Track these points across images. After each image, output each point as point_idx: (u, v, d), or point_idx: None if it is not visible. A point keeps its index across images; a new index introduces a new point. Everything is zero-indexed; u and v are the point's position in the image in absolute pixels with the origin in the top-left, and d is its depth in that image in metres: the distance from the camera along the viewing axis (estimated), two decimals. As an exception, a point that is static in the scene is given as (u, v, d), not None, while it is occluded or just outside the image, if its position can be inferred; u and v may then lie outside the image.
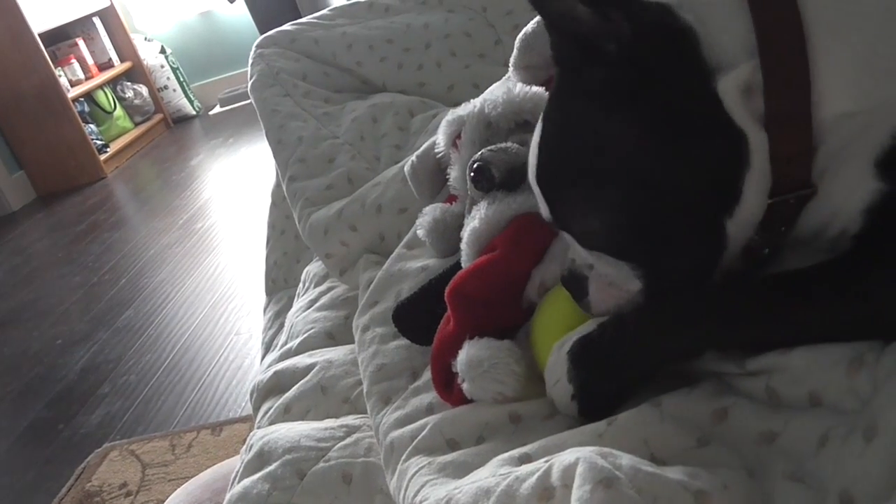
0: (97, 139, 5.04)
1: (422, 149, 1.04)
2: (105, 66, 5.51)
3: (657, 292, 0.65)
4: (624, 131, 0.60)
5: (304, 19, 1.61)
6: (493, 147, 0.87)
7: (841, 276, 0.60)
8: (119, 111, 5.39)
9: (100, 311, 3.03)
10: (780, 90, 0.58)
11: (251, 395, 1.11)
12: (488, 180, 0.85)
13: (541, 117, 0.67)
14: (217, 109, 5.76)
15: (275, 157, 1.34)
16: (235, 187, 4.09)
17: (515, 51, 1.00)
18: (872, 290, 0.58)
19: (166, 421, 2.20)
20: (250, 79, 1.48)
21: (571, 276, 0.69)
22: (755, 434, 0.59)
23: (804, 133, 0.59)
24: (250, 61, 1.52)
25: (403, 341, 0.89)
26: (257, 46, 1.53)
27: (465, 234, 0.86)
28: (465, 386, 0.74)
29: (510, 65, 1.02)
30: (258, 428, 1.02)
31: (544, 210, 0.68)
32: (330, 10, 1.61)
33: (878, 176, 0.58)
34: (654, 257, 0.64)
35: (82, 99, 5.11)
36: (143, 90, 5.62)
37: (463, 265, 0.86)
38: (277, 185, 1.48)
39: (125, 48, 5.64)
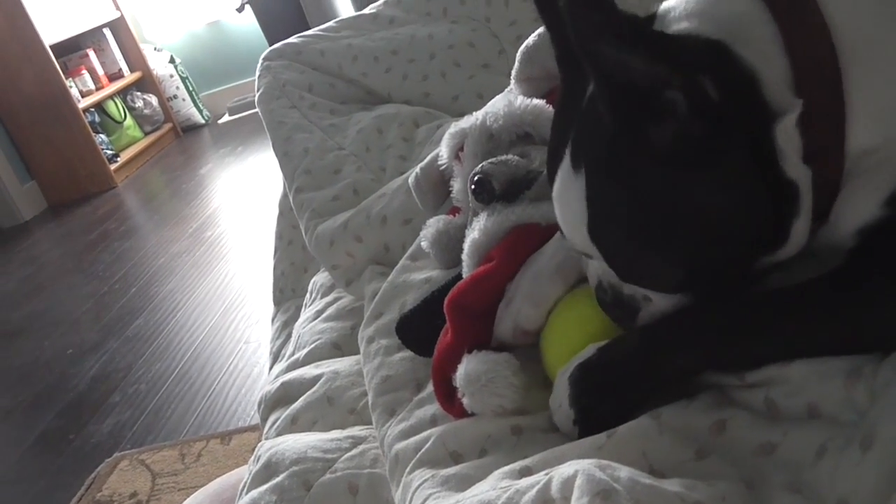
0: (107, 149, 5.08)
1: (425, 161, 1.05)
2: (115, 76, 5.56)
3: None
4: (699, 188, 0.58)
5: (309, 32, 1.63)
6: (494, 160, 0.88)
7: (834, 293, 0.61)
8: (129, 121, 5.44)
9: (110, 321, 3.06)
10: (819, 131, 0.57)
11: (259, 405, 1.12)
12: (489, 192, 0.86)
13: (575, 165, 0.63)
14: (226, 118, 5.79)
15: (281, 168, 1.36)
16: (244, 196, 4.11)
17: (517, 63, 1.01)
18: (866, 306, 0.59)
19: (176, 430, 2.21)
20: (257, 91, 1.50)
21: (621, 304, 0.69)
22: (754, 445, 0.60)
23: (836, 168, 0.59)
24: (257, 73, 1.53)
25: (408, 353, 0.90)
26: (264, 59, 1.55)
27: (466, 245, 0.87)
28: (465, 400, 0.74)
29: (512, 77, 1.03)
30: (266, 439, 1.03)
31: (603, 263, 0.66)
32: (335, 23, 1.62)
33: (882, 207, 0.59)
34: (705, 290, 0.65)
35: (93, 109, 5.16)
36: (153, 100, 5.66)
37: (464, 276, 0.86)
38: (284, 196, 1.49)
39: (135, 58, 5.69)
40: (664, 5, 0.64)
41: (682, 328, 0.65)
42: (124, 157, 5.19)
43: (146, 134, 5.58)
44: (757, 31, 0.58)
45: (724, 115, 0.55)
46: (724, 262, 0.62)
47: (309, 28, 4.17)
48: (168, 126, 5.71)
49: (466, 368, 0.75)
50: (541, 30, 1.01)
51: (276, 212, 1.56)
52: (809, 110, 0.56)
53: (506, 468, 0.66)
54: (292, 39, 1.59)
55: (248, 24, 5.26)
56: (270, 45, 1.45)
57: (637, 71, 0.53)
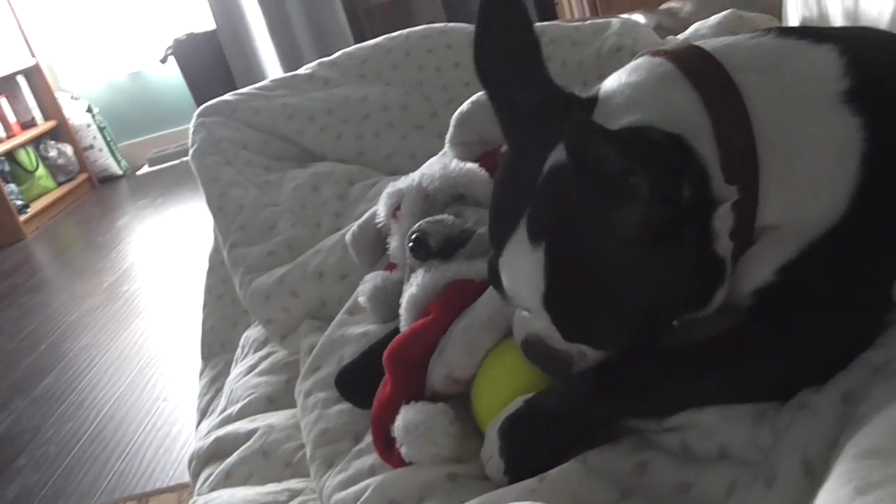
0: (17, 199, 4.92)
1: (363, 219, 1.09)
2: (28, 124, 5.41)
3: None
4: (655, 267, 0.64)
5: (244, 90, 1.66)
6: (430, 219, 0.93)
7: (735, 350, 0.68)
8: (41, 170, 5.28)
9: (17, 379, 2.93)
10: (739, 213, 0.64)
11: (190, 462, 1.12)
12: (426, 250, 0.91)
13: (533, 238, 0.66)
14: (146, 169, 5.69)
15: (216, 223, 1.37)
16: (164, 249, 4.03)
17: (451, 128, 1.07)
18: (761, 361, 0.67)
19: (88, 493, 2.13)
20: (191, 146, 1.51)
21: (549, 360, 0.73)
22: (672, 485, 0.65)
23: (745, 242, 0.67)
24: (191, 129, 1.54)
25: (346, 405, 0.92)
26: (198, 115, 1.56)
27: (404, 300, 0.91)
28: (403, 450, 0.78)
29: (446, 141, 1.09)
30: (199, 495, 1.02)
31: (542, 322, 0.70)
32: (270, 81, 1.66)
33: (774, 274, 0.67)
34: (635, 345, 0.70)
35: (2, 158, 5.00)
36: (68, 149, 5.52)
37: (401, 330, 0.90)
38: (215, 250, 1.50)
39: (50, 107, 5.55)
40: (604, 89, 0.70)
41: (604, 381, 0.71)
42: (35, 207, 5.02)
43: (59, 184, 5.42)
44: (698, 123, 0.64)
45: (684, 204, 0.60)
46: (658, 324, 0.69)
47: (234, 80, 4.17)
48: (83, 176, 5.57)
49: (404, 419, 0.79)
50: (474, 98, 1.07)
51: (197, 265, 1.56)
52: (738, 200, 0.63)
53: (445, 513, 0.69)
54: (227, 97, 1.62)
55: (170, 74, 5.22)
56: (195, 97, 1.48)
57: (612, 164, 0.57)
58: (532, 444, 0.73)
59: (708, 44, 0.70)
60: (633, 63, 0.72)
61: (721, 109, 0.64)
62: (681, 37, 1.59)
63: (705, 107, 0.64)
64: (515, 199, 0.68)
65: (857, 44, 0.70)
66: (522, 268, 0.67)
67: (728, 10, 1.54)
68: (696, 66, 0.67)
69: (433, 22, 1.71)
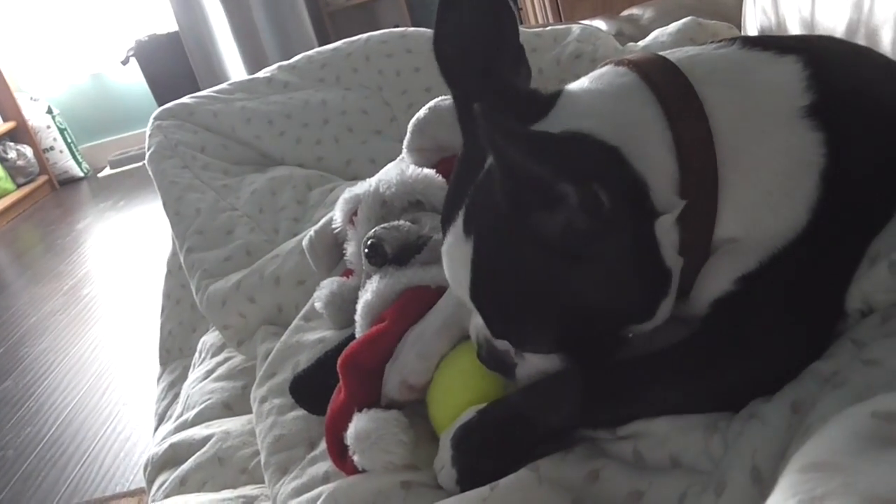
0: (-25, 201, 4.84)
1: (319, 224, 1.09)
2: (-14, 125, 5.32)
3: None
4: (576, 276, 0.63)
5: (202, 93, 1.64)
6: (386, 225, 0.93)
7: (688, 362, 0.68)
8: (0, 172, 5.19)
9: (-26, 383, 2.88)
10: (694, 223, 0.65)
11: (145, 468, 1.10)
12: (381, 256, 0.91)
13: (466, 230, 0.66)
14: (107, 171, 5.62)
15: (172, 228, 1.36)
16: (125, 252, 3.98)
17: (409, 134, 1.07)
18: (714, 373, 0.67)
19: (47, 498, 2.10)
20: (148, 150, 1.49)
21: (495, 360, 0.74)
22: (624, 493, 0.65)
23: (704, 253, 0.67)
24: (148, 133, 1.53)
25: (301, 412, 0.92)
26: (155, 118, 1.55)
27: (359, 306, 0.90)
28: (356, 458, 0.78)
29: (404, 147, 1.09)
30: (153, 502, 1.01)
31: (483, 321, 0.71)
32: (229, 85, 1.65)
33: (733, 284, 0.67)
34: (576, 353, 0.71)
35: (-39, 159, 4.91)
36: (28, 151, 5.44)
37: (357, 336, 0.90)
38: (173, 254, 1.48)
39: (9, 108, 5.46)
40: (568, 90, 0.70)
41: (556, 391, 0.71)
42: (-7, 209, 4.94)
43: (19, 186, 5.33)
44: (653, 137, 0.64)
45: (611, 216, 0.59)
46: (594, 333, 0.69)
47: (197, 82, 4.14)
48: (43, 178, 5.49)
49: (357, 427, 0.79)
50: (432, 103, 1.07)
51: (158, 268, 1.54)
52: (690, 210, 0.64)
53: (397, 522, 0.69)
54: (184, 100, 1.60)
55: (132, 76, 5.17)
56: (157, 99, 1.46)
57: (528, 169, 0.56)
58: (484, 455, 0.73)
59: (673, 55, 0.70)
60: (597, 71, 0.72)
61: (682, 122, 0.64)
62: (641, 43, 1.60)
63: (666, 119, 0.64)
64: (462, 189, 0.68)
65: (820, 55, 0.71)
66: (457, 257, 0.68)
67: (687, 18, 1.56)
68: (659, 77, 0.67)
69: (397, 26, 1.72)
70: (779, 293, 0.67)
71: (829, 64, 0.71)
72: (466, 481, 0.73)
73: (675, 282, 0.67)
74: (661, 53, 0.71)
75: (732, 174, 0.65)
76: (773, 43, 0.71)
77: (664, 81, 0.66)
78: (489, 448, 0.73)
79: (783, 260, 0.65)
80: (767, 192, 0.65)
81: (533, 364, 0.72)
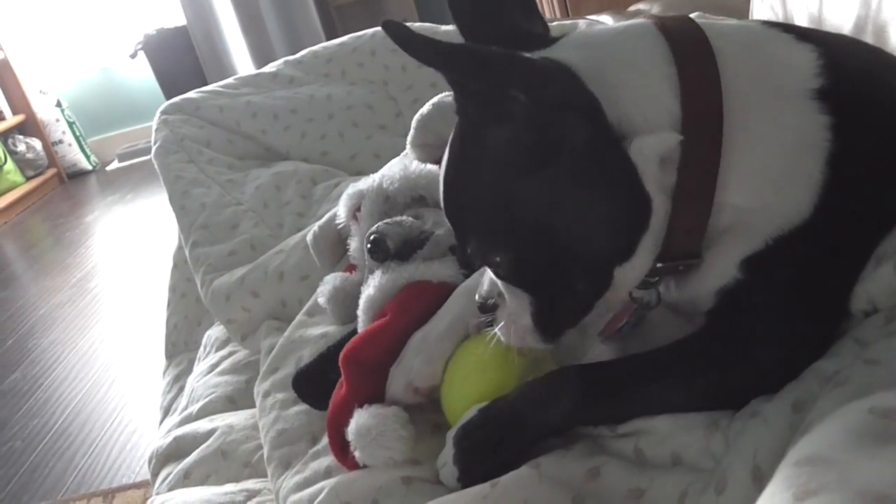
0: (-16, 193, 4.86)
1: (323, 219, 1.09)
2: (-4, 118, 5.34)
3: (544, 329, 0.71)
4: (523, 187, 0.64)
5: (208, 87, 1.64)
6: (389, 220, 0.93)
7: (691, 360, 0.68)
8: (9, 165, 5.21)
9: (-17, 374, 2.90)
10: (694, 169, 0.64)
11: (149, 461, 1.11)
12: (384, 251, 0.91)
13: (446, 153, 0.69)
14: (115, 165, 5.63)
15: (178, 222, 1.36)
16: (133, 245, 3.99)
17: (412, 130, 1.07)
18: (717, 372, 0.67)
19: (54, 488, 2.11)
20: (154, 144, 1.50)
21: (485, 304, 0.75)
22: (624, 491, 0.65)
23: (704, 212, 0.66)
24: (154, 127, 1.53)
25: (303, 407, 0.92)
26: (161, 113, 1.55)
27: (361, 301, 0.91)
28: (356, 453, 0.78)
29: (408, 142, 1.09)
30: (157, 494, 1.02)
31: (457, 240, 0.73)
32: (235, 79, 1.65)
33: (739, 268, 0.67)
34: (548, 290, 0.70)
35: (-30, 152, 4.93)
36: (37, 144, 5.45)
37: (359, 331, 0.90)
38: (179, 248, 1.49)
39: (18, 101, 5.48)
40: (580, 30, 0.71)
41: (556, 389, 0.71)
42: (3, 202, 4.95)
43: (28, 179, 5.35)
44: (652, 72, 0.64)
45: (554, 133, 0.61)
46: (561, 258, 0.67)
47: (205, 76, 4.15)
48: (52, 171, 5.50)
49: (357, 423, 0.79)
50: (435, 99, 1.08)
51: (165, 260, 1.55)
52: (688, 152, 0.63)
53: (397, 517, 0.69)
54: (190, 94, 1.61)
55: (141, 69, 5.17)
56: (165, 92, 1.47)
57: (478, 84, 0.60)
58: (485, 453, 0.73)
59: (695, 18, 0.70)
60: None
61: (690, 63, 0.64)
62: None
63: (673, 58, 0.64)
64: None
65: (837, 49, 0.71)
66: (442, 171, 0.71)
67: (694, 13, 1.55)
68: (674, 25, 0.67)
69: (405, 20, 1.71)
70: (785, 290, 0.66)
71: (845, 57, 0.70)
72: (468, 479, 0.73)
73: (661, 219, 0.66)
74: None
75: (737, 134, 0.64)
76: (794, 28, 0.71)
77: (679, 29, 0.66)
78: (490, 446, 0.73)
79: (790, 248, 0.65)
80: (769, 163, 0.65)
81: (513, 309, 0.72)
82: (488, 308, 0.74)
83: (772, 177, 0.65)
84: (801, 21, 1.21)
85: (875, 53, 0.79)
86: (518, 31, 0.70)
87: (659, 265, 0.68)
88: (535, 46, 0.67)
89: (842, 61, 0.68)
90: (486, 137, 0.63)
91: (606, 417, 0.71)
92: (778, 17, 1.32)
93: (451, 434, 0.75)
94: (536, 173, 0.63)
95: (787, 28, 0.70)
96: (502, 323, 0.73)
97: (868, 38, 1.00)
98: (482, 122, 0.63)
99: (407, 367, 0.83)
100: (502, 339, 0.74)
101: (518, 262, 0.68)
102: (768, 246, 0.65)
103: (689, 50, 0.64)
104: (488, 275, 0.74)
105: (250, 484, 0.96)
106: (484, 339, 0.78)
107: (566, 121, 0.61)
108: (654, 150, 0.62)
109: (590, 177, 0.63)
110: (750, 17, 1.48)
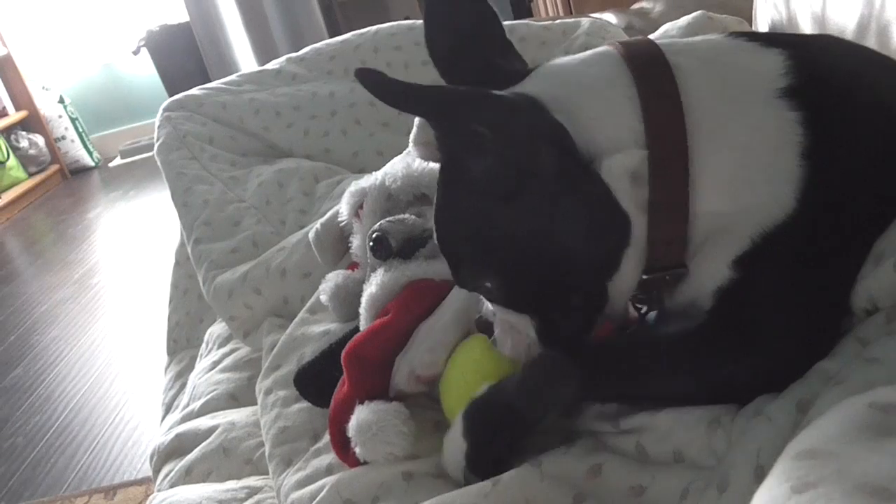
0: (-13, 189, 4.86)
1: (326, 217, 1.09)
2: (-2, 114, 5.34)
3: (549, 340, 0.72)
4: (503, 215, 0.66)
5: (211, 84, 1.64)
6: (391, 218, 0.93)
7: (693, 351, 0.68)
8: (12, 161, 5.22)
9: (-15, 370, 2.90)
10: (663, 182, 0.65)
11: (151, 457, 1.11)
12: (386, 249, 0.91)
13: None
14: (118, 161, 5.64)
15: (180, 218, 1.36)
16: (135, 241, 4.00)
17: (415, 128, 1.07)
18: (718, 364, 0.68)
19: (56, 485, 2.11)
20: (157, 141, 1.50)
21: (483, 321, 0.77)
22: (626, 488, 0.66)
23: (681, 222, 0.67)
24: (157, 124, 1.53)
25: (305, 404, 0.92)
26: (164, 109, 1.55)
27: (364, 299, 0.91)
28: (357, 449, 0.78)
29: (410, 140, 1.09)
30: (158, 491, 1.02)
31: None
32: (238, 76, 1.65)
33: (731, 268, 0.67)
34: (545, 311, 0.71)
35: (-27, 148, 4.94)
36: (39, 140, 5.46)
37: (361, 329, 0.90)
38: (181, 245, 1.49)
39: (21, 97, 5.48)
40: (548, 63, 0.73)
41: (564, 366, 0.71)
42: (6, 198, 4.96)
43: (30, 175, 5.36)
44: (611, 93, 0.66)
45: (525, 162, 0.64)
46: (550, 280, 0.69)
47: (208, 72, 4.14)
48: (55, 167, 5.51)
49: (358, 418, 0.79)
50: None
51: (168, 258, 1.55)
52: (657, 167, 0.65)
53: (398, 514, 0.69)
54: (193, 91, 1.61)
55: (143, 66, 5.17)
56: (167, 89, 1.47)
57: (445, 122, 0.64)
58: (495, 429, 0.73)
59: (661, 41, 0.72)
60: None
61: (649, 83, 0.66)
62: (651, 37, 1.59)
63: (634, 80, 0.66)
64: None
65: (810, 49, 0.72)
66: None
67: (698, 12, 1.55)
68: (633, 47, 0.69)
69: (408, 17, 1.71)
70: (782, 284, 0.66)
71: (818, 55, 0.72)
72: (476, 454, 0.73)
73: (641, 234, 0.67)
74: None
75: (703, 142, 0.65)
76: (763, 36, 0.73)
77: (637, 51, 0.68)
78: (500, 423, 0.73)
79: (779, 243, 0.65)
80: (742, 166, 0.66)
81: (505, 320, 0.74)
82: (486, 323, 0.77)
83: (746, 178, 0.66)
84: (805, 21, 1.21)
85: (856, 51, 0.80)
86: (494, 68, 0.72)
87: (645, 277, 0.70)
88: (510, 82, 0.69)
89: (813, 60, 0.70)
90: (465, 170, 0.66)
91: (615, 395, 0.72)
92: (781, 16, 1.32)
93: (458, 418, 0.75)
94: (514, 201, 0.65)
95: (754, 37, 0.72)
96: (499, 331, 0.75)
97: (871, 38, 1.00)
98: (461, 156, 0.66)
99: (411, 357, 0.84)
100: (503, 351, 0.75)
101: (507, 287, 0.71)
102: (756, 244, 0.66)
103: (647, 69, 0.67)
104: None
105: (252, 481, 0.96)
106: (483, 339, 0.79)
107: (535, 150, 0.64)
108: (622, 167, 0.64)
109: (566, 200, 0.65)
110: (753, 18, 1.48)
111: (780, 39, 0.71)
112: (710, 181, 0.66)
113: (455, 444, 0.74)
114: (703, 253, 0.69)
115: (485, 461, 0.72)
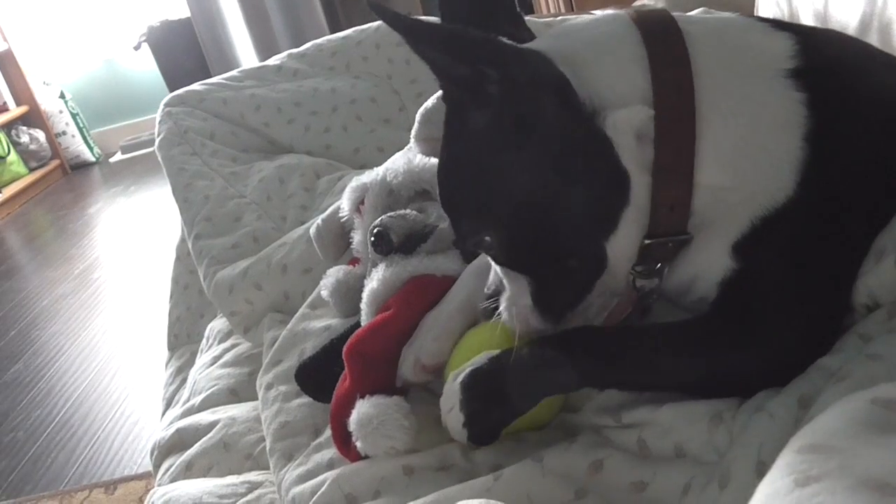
0: (-12, 184, 4.86)
1: (327, 213, 1.09)
2: (-1, 109, 5.34)
3: (545, 306, 0.72)
4: (504, 166, 0.67)
5: (212, 80, 1.64)
6: (392, 213, 0.93)
7: (698, 342, 0.68)
8: (13, 156, 5.21)
9: (-14, 366, 2.90)
10: (668, 143, 0.65)
11: (152, 452, 1.11)
12: (387, 245, 0.91)
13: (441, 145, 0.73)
14: (118, 157, 5.64)
15: (181, 214, 1.36)
16: (135, 237, 4.00)
17: (416, 124, 1.07)
18: (721, 356, 0.68)
19: (56, 480, 2.12)
20: (157, 136, 1.50)
21: (488, 310, 0.77)
22: (627, 484, 0.66)
23: (685, 186, 0.67)
24: (158, 119, 1.53)
25: (306, 399, 0.92)
26: (165, 105, 1.55)
27: (365, 294, 0.91)
28: (358, 443, 0.78)
29: (411, 136, 1.09)
30: (159, 486, 1.02)
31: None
32: (239, 72, 1.65)
33: (732, 255, 0.67)
34: (543, 269, 0.71)
35: (-27, 143, 4.93)
36: (40, 135, 5.46)
37: (362, 324, 0.90)
38: (182, 240, 1.49)
39: (22, 92, 5.48)
40: (559, 25, 0.73)
41: (565, 348, 0.71)
42: (6, 193, 4.96)
43: (31, 170, 5.35)
44: (620, 51, 0.66)
45: (527, 112, 0.64)
46: (549, 235, 0.69)
47: (209, 68, 4.13)
48: (55, 163, 5.50)
49: (359, 412, 0.79)
50: (440, 93, 1.07)
51: (168, 254, 1.55)
52: (661, 127, 0.65)
53: (399, 509, 0.69)
54: (194, 87, 1.61)
55: (144, 61, 5.17)
56: (168, 85, 1.47)
57: (457, 69, 0.64)
58: (493, 401, 0.73)
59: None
60: None
61: (657, 41, 0.66)
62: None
63: (644, 42, 0.66)
64: None
65: (816, 37, 0.72)
66: None
67: (699, 8, 1.55)
68: (647, 15, 0.69)
69: (409, 14, 1.70)
70: (781, 274, 0.66)
71: (823, 44, 0.72)
72: (473, 425, 0.73)
73: (642, 194, 0.67)
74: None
75: (710, 111, 0.65)
76: (774, 21, 0.73)
77: (649, 17, 0.69)
78: (497, 395, 0.72)
79: (778, 230, 0.65)
80: (745, 140, 0.66)
81: (514, 294, 0.73)
82: (493, 295, 0.76)
83: (748, 153, 0.66)
84: (807, 17, 1.21)
85: (859, 46, 0.80)
86: (506, 34, 0.72)
87: (647, 241, 0.69)
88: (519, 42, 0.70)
89: (821, 48, 0.70)
90: (468, 120, 0.67)
91: (614, 382, 0.71)
92: (783, 13, 1.32)
93: (456, 377, 0.74)
94: (515, 151, 0.66)
95: (766, 20, 0.72)
96: (504, 306, 0.75)
97: (873, 35, 1.00)
98: (465, 106, 0.67)
99: (417, 346, 0.84)
100: (506, 322, 0.75)
101: (507, 241, 0.71)
102: (755, 228, 0.66)
103: (659, 33, 0.67)
104: (494, 266, 0.75)
105: (252, 476, 0.96)
106: (489, 328, 0.78)
107: (538, 98, 0.64)
108: (627, 124, 0.64)
109: (566, 152, 0.65)
110: (755, 12, 1.48)
111: (790, 26, 0.72)
112: (713, 151, 0.66)
113: (454, 415, 0.73)
114: (704, 232, 0.69)
115: (482, 431, 0.73)
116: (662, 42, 0.66)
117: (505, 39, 0.66)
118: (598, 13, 1.71)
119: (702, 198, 0.67)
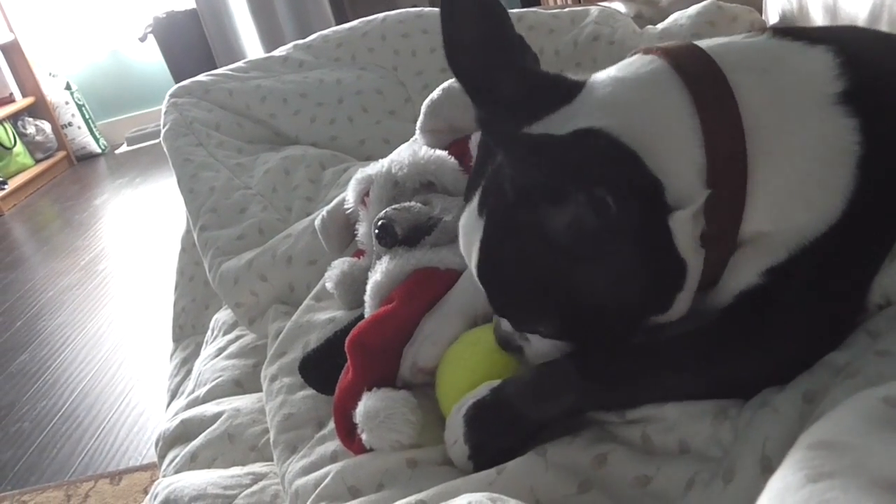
0: (-6, 175, 4.87)
1: (332, 204, 1.09)
2: (5, 100, 5.33)
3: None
4: (581, 270, 0.64)
5: (217, 71, 1.64)
6: (397, 206, 0.93)
7: (703, 349, 0.68)
8: (19, 147, 5.22)
9: (-8, 355, 2.91)
10: (721, 216, 0.63)
11: (156, 443, 1.11)
12: (391, 237, 0.91)
13: (479, 210, 0.68)
14: (124, 148, 5.64)
15: (186, 205, 1.36)
16: (141, 228, 4.00)
17: (422, 115, 1.07)
18: (728, 361, 0.67)
19: (62, 470, 2.12)
20: (163, 127, 1.50)
21: (507, 343, 0.75)
22: (631, 478, 0.65)
23: (729, 246, 0.66)
24: (163, 110, 1.53)
25: (310, 391, 0.92)
26: (171, 96, 1.55)
27: (369, 286, 0.91)
28: (364, 436, 0.78)
29: (417, 128, 1.08)
30: (163, 476, 1.02)
31: (488, 299, 0.72)
32: (244, 63, 1.65)
33: (760, 276, 0.66)
34: (584, 340, 0.71)
35: (-20, 134, 4.94)
36: (46, 126, 5.46)
37: (366, 317, 0.90)
38: (187, 232, 1.49)
39: (28, 83, 5.48)
40: (595, 79, 0.69)
41: (569, 373, 0.70)
42: (13, 184, 4.97)
43: (37, 161, 5.36)
44: (678, 128, 0.63)
45: (619, 218, 0.59)
46: (602, 325, 0.68)
47: (214, 59, 4.13)
48: (61, 154, 5.51)
49: (366, 405, 0.79)
50: (445, 85, 1.07)
51: (174, 245, 1.55)
52: (716, 200, 0.62)
53: (402, 501, 0.69)
54: (200, 77, 1.60)
55: (150, 53, 5.17)
56: (174, 76, 1.46)
57: (538, 176, 0.60)
58: (497, 432, 0.73)
59: (702, 43, 0.69)
60: (626, 60, 0.71)
61: (710, 110, 0.63)
62: (660, 26, 1.59)
63: (696, 107, 0.63)
64: (483, 168, 0.68)
65: (852, 45, 0.69)
66: (470, 234, 0.69)
67: (708, 1, 1.54)
68: (689, 64, 0.66)
69: (416, 6, 1.70)
70: (805, 286, 0.65)
71: (859, 53, 0.69)
72: (478, 457, 0.73)
73: (695, 275, 0.65)
74: (692, 42, 0.70)
75: (763, 163, 0.63)
76: (803, 34, 0.70)
77: (694, 68, 0.65)
78: (502, 426, 0.73)
79: (813, 253, 0.64)
80: (800, 183, 0.64)
81: (539, 349, 0.72)
82: (511, 348, 0.75)
83: (801, 193, 0.64)
84: (816, 10, 1.20)
85: (884, 40, 0.78)
86: (529, 74, 0.69)
87: None
88: (555, 95, 0.67)
89: (859, 55, 0.67)
90: (539, 216, 0.62)
91: (618, 403, 0.70)
92: (792, 5, 1.31)
93: (458, 411, 0.74)
94: (591, 256, 0.62)
95: (796, 34, 0.69)
96: (530, 353, 0.74)
97: (883, 27, 0.99)
98: (534, 201, 0.62)
99: (415, 349, 0.84)
100: (527, 364, 0.75)
101: (560, 329, 0.69)
102: (791, 256, 0.65)
103: (708, 93, 0.64)
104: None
105: (256, 467, 0.96)
106: (480, 331, 0.79)
107: (633, 206, 0.60)
108: (690, 216, 0.61)
109: (638, 252, 0.62)
110: (764, 7, 1.47)
111: (821, 35, 0.69)
112: (762, 204, 0.64)
113: (459, 448, 0.74)
114: (734, 264, 0.67)
115: (487, 461, 0.72)
116: (713, 106, 0.63)
117: (596, 144, 0.61)
118: (605, 4, 1.70)
119: (741, 244, 0.67)
